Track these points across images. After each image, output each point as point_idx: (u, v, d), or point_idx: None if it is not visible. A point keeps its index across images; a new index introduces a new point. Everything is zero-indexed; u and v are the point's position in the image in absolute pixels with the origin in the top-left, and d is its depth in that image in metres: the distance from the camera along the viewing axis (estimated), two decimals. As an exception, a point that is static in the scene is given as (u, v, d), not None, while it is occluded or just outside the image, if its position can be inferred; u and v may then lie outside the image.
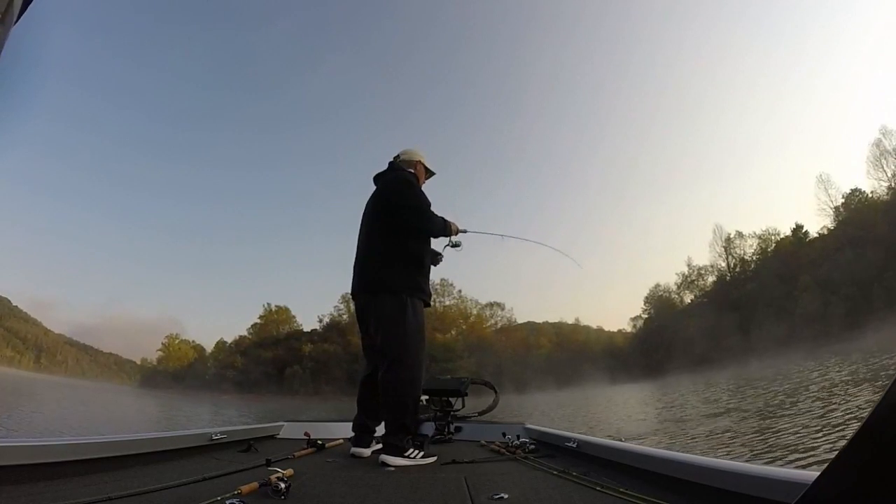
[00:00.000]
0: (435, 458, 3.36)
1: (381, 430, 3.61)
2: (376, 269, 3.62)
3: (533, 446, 3.72)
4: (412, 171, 3.94)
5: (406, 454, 3.24)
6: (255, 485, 2.15)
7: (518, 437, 4.01)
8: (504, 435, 4.24)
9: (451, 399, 5.13)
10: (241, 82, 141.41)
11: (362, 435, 3.66)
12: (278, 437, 4.60)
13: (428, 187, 4.12)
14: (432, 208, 3.78)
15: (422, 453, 3.31)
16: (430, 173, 4.09)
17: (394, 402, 3.41)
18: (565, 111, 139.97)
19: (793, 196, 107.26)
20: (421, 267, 3.71)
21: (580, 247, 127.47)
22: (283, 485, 2.18)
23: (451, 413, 5.05)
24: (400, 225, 3.65)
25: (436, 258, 4.05)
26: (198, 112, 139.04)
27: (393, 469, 3.04)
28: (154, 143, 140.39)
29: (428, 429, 4.87)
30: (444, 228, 3.82)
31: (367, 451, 3.55)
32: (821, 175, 68.99)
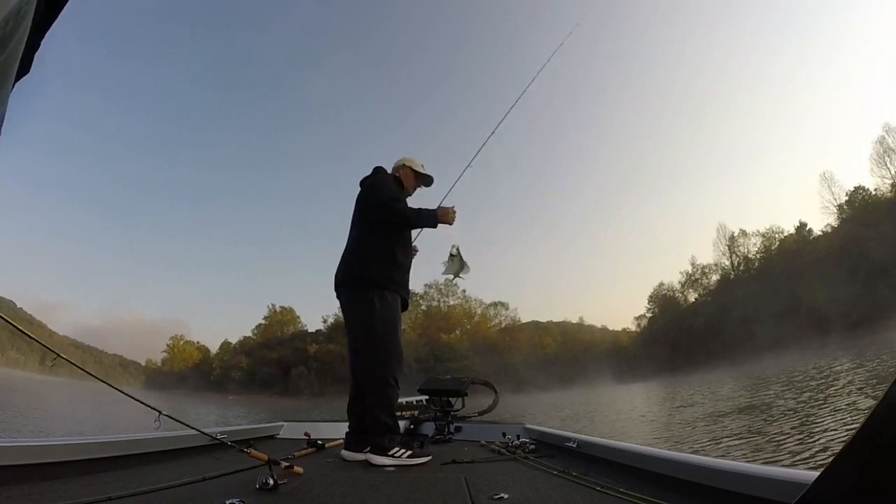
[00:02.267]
0: (428, 458, 3.26)
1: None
2: (347, 265, 3.65)
3: (533, 446, 3.70)
4: (397, 174, 3.95)
5: (390, 453, 3.18)
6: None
7: (518, 437, 3.99)
8: (504, 435, 4.22)
9: (451, 399, 5.11)
10: (244, 84, 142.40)
11: (353, 438, 3.58)
12: (278, 437, 4.59)
13: (432, 191, 4.13)
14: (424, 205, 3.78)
15: (408, 452, 3.22)
16: (423, 178, 4.05)
17: (372, 402, 3.38)
18: (568, 111, 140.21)
19: (796, 194, 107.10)
20: (392, 260, 3.64)
21: (583, 245, 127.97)
22: (271, 481, 2.23)
23: (451, 413, 5.03)
24: (368, 220, 3.68)
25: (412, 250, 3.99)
26: (200, 113, 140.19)
27: (393, 469, 3.03)
28: (157, 145, 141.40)
29: (428, 429, 4.86)
30: (418, 217, 3.73)
31: (358, 455, 3.45)
32: (824, 173, 69.17)
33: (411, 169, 3.98)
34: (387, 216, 3.61)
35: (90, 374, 2.38)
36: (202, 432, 3.55)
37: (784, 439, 8.43)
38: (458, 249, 3.87)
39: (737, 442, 9.17)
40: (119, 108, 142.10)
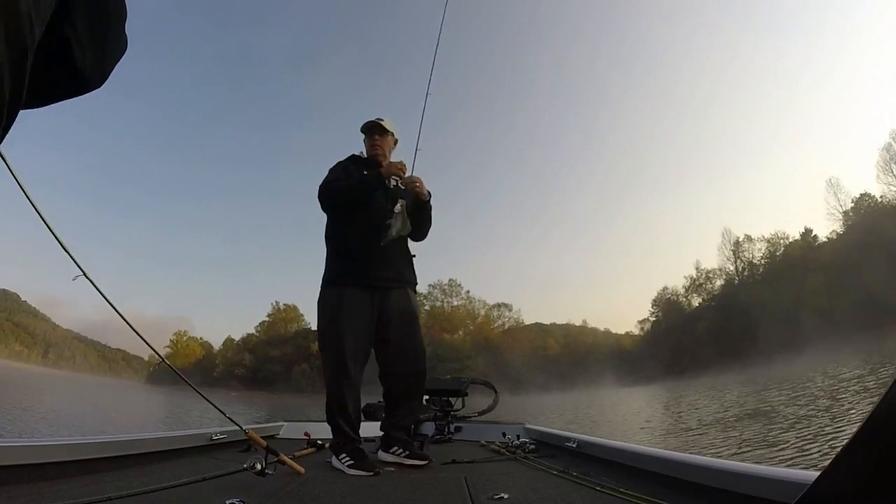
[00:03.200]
0: (369, 473, 2.84)
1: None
2: None
3: (533, 446, 3.70)
4: (360, 152, 3.76)
5: (339, 457, 3.04)
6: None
7: (518, 437, 3.99)
8: (504, 435, 4.22)
9: (451, 399, 5.11)
10: (249, 81, 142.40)
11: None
12: (278, 437, 4.59)
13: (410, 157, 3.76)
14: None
15: (350, 461, 2.97)
16: (368, 132, 3.69)
17: None
18: (569, 110, 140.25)
19: (802, 200, 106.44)
20: (336, 253, 3.46)
21: (586, 247, 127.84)
22: (259, 465, 2.28)
23: (451, 413, 5.03)
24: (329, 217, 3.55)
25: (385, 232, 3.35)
26: (204, 110, 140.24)
27: (393, 469, 3.03)
28: (160, 141, 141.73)
29: (428, 429, 4.86)
30: (361, 184, 3.41)
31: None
32: (830, 179, 68.81)
33: (363, 135, 3.74)
34: (324, 199, 3.47)
35: (106, 299, 2.24)
36: (202, 432, 3.57)
37: (808, 448, 8.02)
38: (402, 206, 3.55)
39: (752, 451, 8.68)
40: (122, 104, 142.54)
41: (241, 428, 2.71)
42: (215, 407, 2.90)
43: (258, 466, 2.28)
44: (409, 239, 3.63)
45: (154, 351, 2.72)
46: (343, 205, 3.46)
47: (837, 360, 29.58)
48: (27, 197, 1.66)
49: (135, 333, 2.37)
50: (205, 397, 2.82)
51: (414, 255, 3.69)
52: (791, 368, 33.47)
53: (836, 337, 44.48)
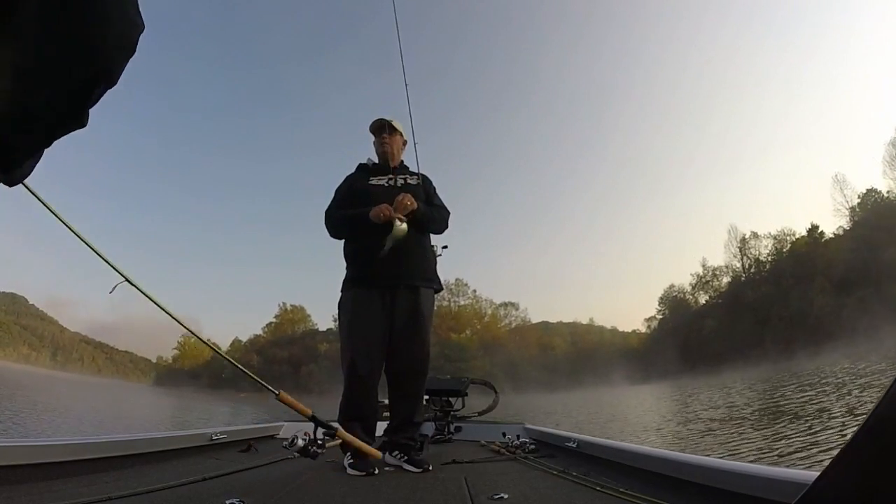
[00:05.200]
0: (362, 473, 2.85)
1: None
2: None
3: (533, 446, 3.71)
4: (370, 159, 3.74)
5: (345, 454, 3.06)
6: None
7: (518, 437, 3.99)
8: (504, 435, 4.24)
9: (450, 399, 5.10)
10: (255, 75, 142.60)
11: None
12: (278, 436, 4.59)
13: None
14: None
15: (351, 461, 2.97)
16: (377, 132, 3.65)
17: None
18: (572, 108, 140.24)
19: (808, 196, 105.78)
20: (348, 260, 3.48)
21: (591, 246, 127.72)
22: (301, 441, 2.37)
23: (451, 413, 5.02)
24: None
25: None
26: (212, 106, 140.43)
27: (392, 469, 3.02)
28: (170, 135, 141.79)
29: (428, 429, 4.84)
30: (351, 222, 3.43)
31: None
32: (836, 175, 68.40)
33: (373, 135, 3.70)
34: (328, 230, 3.51)
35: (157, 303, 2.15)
36: (202, 432, 3.56)
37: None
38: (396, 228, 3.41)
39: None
40: (130, 97, 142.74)
41: (276, 393, 2.64)
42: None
43: (300, 443, 2.30)
44: (430, 234, 3.63)
45: (222, 355, 2.65)
46: (343, 236, 3.52)
47: (853, 355, 29.34)
48: (54, 214, 1.62)
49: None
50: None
51: (439, 255, 3.66)
52: (809, 364, 33.21)
53: (846, 332, 44.26)
